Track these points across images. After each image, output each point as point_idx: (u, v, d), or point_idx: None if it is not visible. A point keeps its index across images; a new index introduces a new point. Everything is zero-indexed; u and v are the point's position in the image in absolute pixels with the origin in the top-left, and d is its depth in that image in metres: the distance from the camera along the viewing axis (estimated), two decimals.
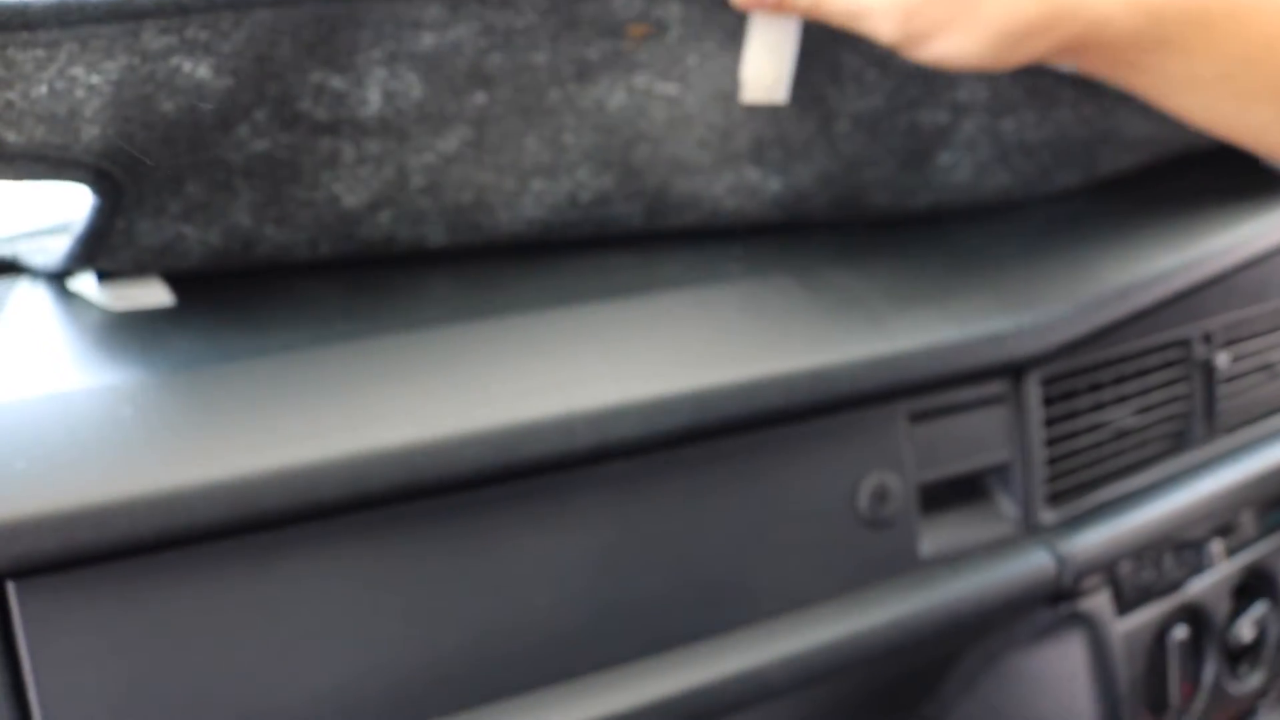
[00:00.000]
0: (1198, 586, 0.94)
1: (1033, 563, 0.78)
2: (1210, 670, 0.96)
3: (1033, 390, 0.79)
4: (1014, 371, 0.78)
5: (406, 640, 0.56)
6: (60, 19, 0.46)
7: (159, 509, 0.49)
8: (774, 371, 0.64)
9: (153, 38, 0.48)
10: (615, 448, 0.59)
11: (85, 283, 0.64)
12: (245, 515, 0.52)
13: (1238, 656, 1.02)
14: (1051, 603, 0.82)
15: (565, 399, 0.58)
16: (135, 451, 0.50)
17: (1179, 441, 0.95)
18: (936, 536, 0.75)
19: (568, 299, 0.67)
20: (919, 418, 0.73)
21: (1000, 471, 0.79)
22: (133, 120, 0.53)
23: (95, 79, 0.49)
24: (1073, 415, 0.84)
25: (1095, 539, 0.82)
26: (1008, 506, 0.79)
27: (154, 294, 0.65)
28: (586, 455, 0.59)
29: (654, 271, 0.72)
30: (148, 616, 0.51)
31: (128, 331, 0.61)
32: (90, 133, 0.52)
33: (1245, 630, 0.99)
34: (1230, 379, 0.99)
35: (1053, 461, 0.82)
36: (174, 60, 0.50)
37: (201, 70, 0.52)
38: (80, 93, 0.50)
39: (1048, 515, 0.81)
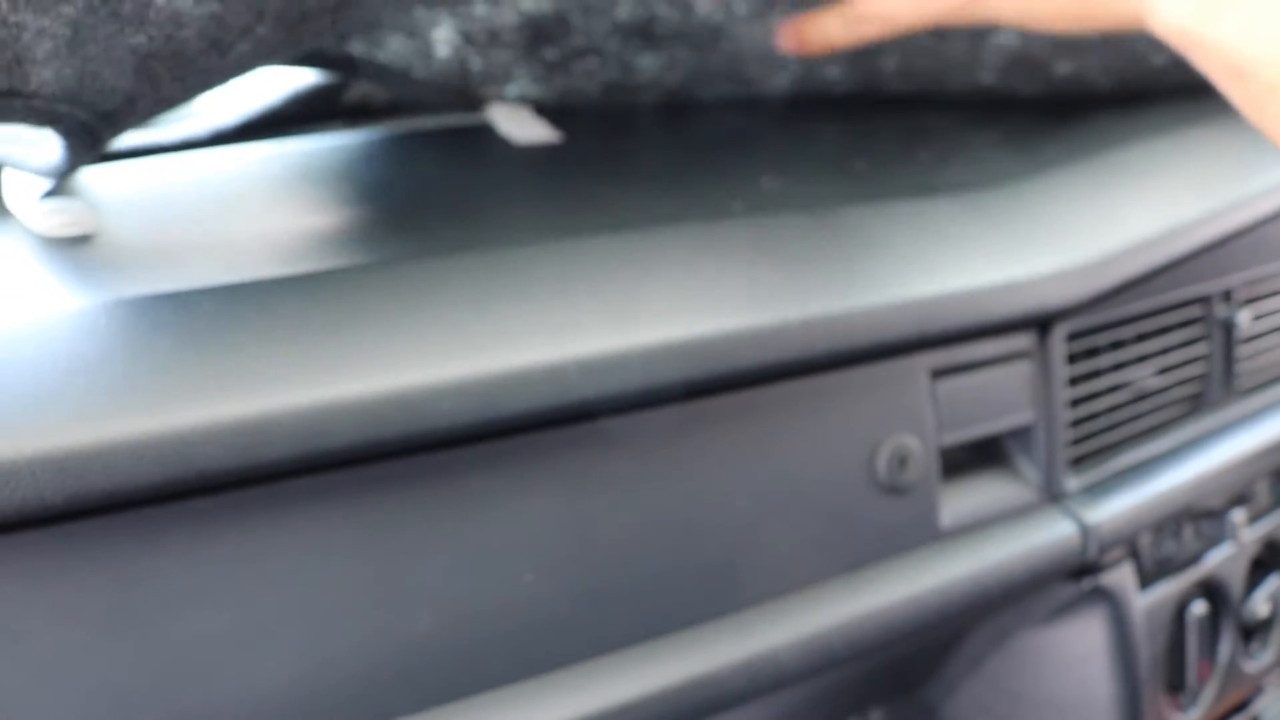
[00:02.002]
0: (1215, 560, 0.88)
1: (1057, 533, 0.71)
2: (1226, 648, 0.90)
3: (1059, 345, 0.72)
4: (1040, 324, 0.70)
5: (370, 624, 0.48)
6: None
7: (70, 470, 0.41)
8: (789, 318, 0.56)
9: None
10: (611, 401, 0.51)
11: (19, 195, 0.55)
12: (178, 477, 0.43)
13: (1251, 633, 0.96)
14: (1074, 576, 0.76)
15: (555, 344, 0.50)
16: (43, 399, 0.42)
17: (1196, 404, 0.89)
18: (957, 504, 0.68)
19: (558, 232, 0.59)
20: (941, 374, 0.65)
21: (1022, 434, 0.72)
22: (96, 58, 0.44)
23: (45, 23, 0.41)
24: (1095, 375, 0.77)
25: (1119, 508, 0.75)
26: (1030, 472, 0.72)
27: (86, 219, 0.56)
28: (578, 410, 0.51)
29: (655, 204, 0.64)
30: (65, 593, 0.43)
31: (51, 256, 0.52)
32: (42, 75, 0.43)
33: (1260, 606, 0.93)
34: (1249, 339, 0.93)
35: (1075, 423, 0.75)
36: None
37: (179, 0, 0.43)
38: (27, 37, 0.41)
39: (1071, 482, 0.74)
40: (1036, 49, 0.91)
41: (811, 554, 0.60)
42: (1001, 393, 0.69)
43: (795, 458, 0.59)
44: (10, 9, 0.39)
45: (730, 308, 0.55)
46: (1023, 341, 0.70)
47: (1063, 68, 0.96)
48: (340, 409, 0.46)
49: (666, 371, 0.52)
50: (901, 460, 0.63)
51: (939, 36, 0.86)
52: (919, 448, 0.64)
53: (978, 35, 0.88)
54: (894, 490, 0.63)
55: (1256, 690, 1.02)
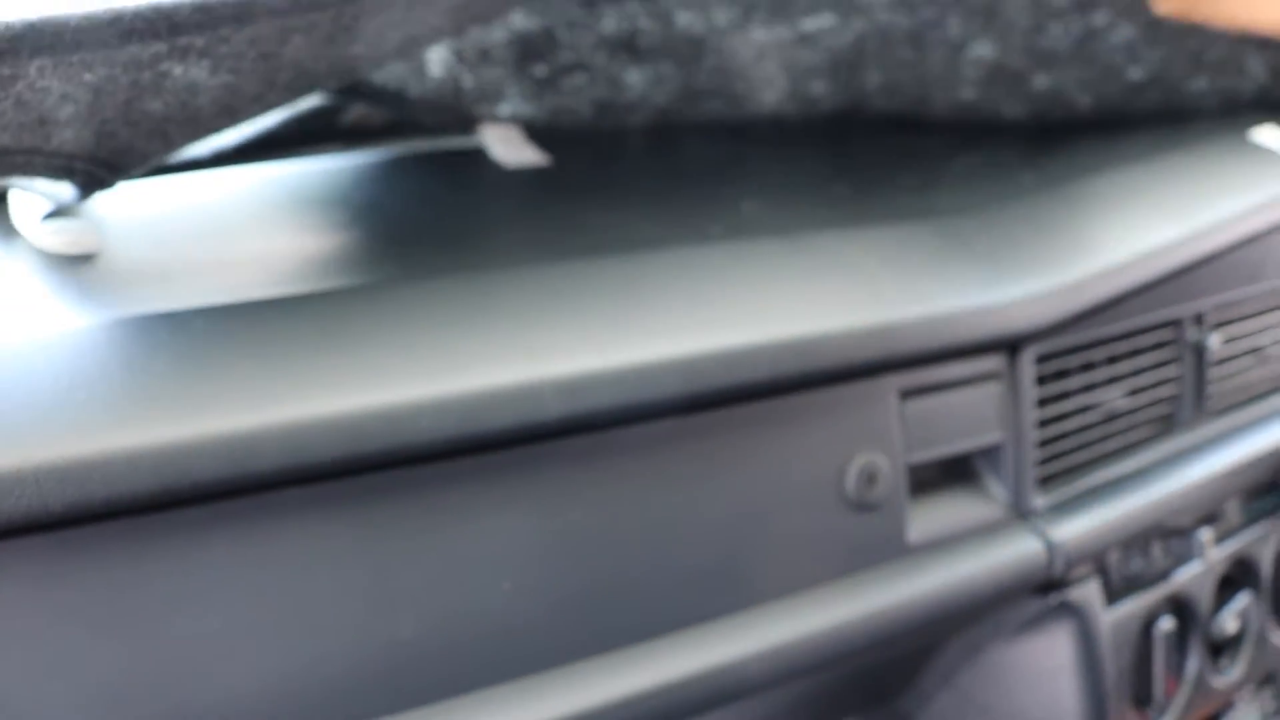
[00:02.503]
0: (1184, 577, 0.90)
1: (1023, 550, 0.73)
2: (1194, 663, 0.92)
3: (1028, 367, 0.74)
4: (1010, 346, 0.73)
5: (354, 629, 0.51)
6: (33, 46, 0.40)
7: (71, 479, 0.43)
8: (761, 339, 0.58)
9: (138, 49, 0.42)
10: (587, 419, 0.54)
11: (26, 215, 0.58)
12: (172, 487, 0.46)
13: (1220, 649, 0.98)
14: (1041, 592, 0.78)
15: (533, 364, 0.52)
16: (46, 411, 0.44)
17: (1167, 424, 0.91)
18: (925, 521, 0.70)
19: (541, 256, 0.61)
20: (910, 394, 0.68)
21: (991, 453, 0.74)
22: (113, 120, 0.47)
23: (69, 89, 0.44)
24: (1064, 395, 0.80)
25: (1085, 526, 0.77)
26: (997, 490, 0.74)
27: (88, 239, 0.58)
28: (556, 427, 0.53)
29: (621, 230, 0.66)
30: (65, 595, 0.45)
31: (55, 275, 0.54)
32: (63, 135, 0.46)
33: (1229, 622, 0.95)
34: (1220, 361, 0.95)
35: (1044, 443, 0.78)
36: (163, 66, 0.44)
37: (195, 72, 0.46)
38: (52, 101, 0.44)
39: (1038, 500, 0.76)
40: (1014, 62, 0.94)
41: (780, 567, 0.63)
42: (970, 413, 0.71)
43: (765, 474, 0.62)
44: (39, 75, 0.41)
45: (704, 330, 0.57)
46: (992, 363, 0.72)
47: (1041, 82, 0.99)
48: (326, 424, 0.48)
49: (639, 392, 0.54)
50: (870, 477, 0.65)
51: (918, 48, 0.89)
52: (887, 465, 0.66)
53: (956, 48, 0.90)
54: (862, 506, 0.65)
55: (1227, 705, 1.04)
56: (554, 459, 0.55)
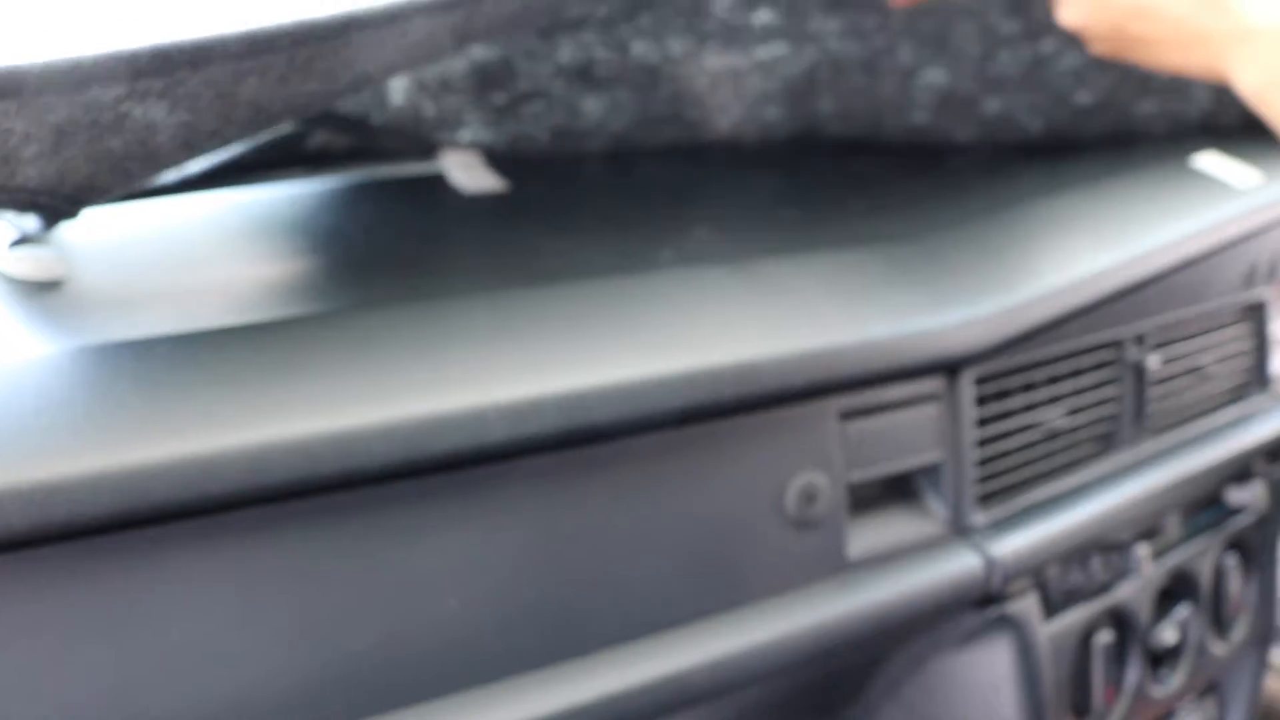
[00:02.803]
0: (1123, 590, 0.93)
1: (961, 565, 0.76)
2: (1133, 674, 0.96)
3: (967, 389, 0.77)
4: (948, 369, 0.76)
5: (305, 643, 0.53)
6: None
7: (34, 500, 0.46)
8: (701, 365, 0.61)
9: (99, 92, 0.45)
10: (531, 443, 0.56)
11: None
12: (132, 509, 0.48)
13: (1160, 659, 1.01)
14: (979, 605, 0.81)
15: (479, 390, 0.55)
16: (11, 436, 0.47)
17: (1108, 443, 0.94)
18: (865, 537, 0.73)
19: (492, 283, 0.64)
20: (850, 415, 0.71)
21: (931, 472, 0.77)
22: (75, 157, 0.49)
23: (33, 129, 0.46)
24: (1005, 415, 0.83)
25: (1024, 541, 0.80)
26: (937, 507, 0.77)
27: (55, 267, 0.60)
28: (500, 450, 0.56)
29: (580, 257, 0.69)
30: (28, 613, 0.48)
31: (22, 302, 0.57)
32: (26, 172, 0.48)
33: (1168, 633, 0.98)
34: (1160, 381, 0.99)
35: (984, 462, 0.81)
36: (123, 107, 0.47)
37: (154, 112, 0.48)
38: (15, 140, 0.46)
39: (978, 517, 0.79)
40: (965, 88, 0.97)
41: (722, 583, 0.65)
42: (910, 433, 0.74)
43: (708, 493, 0.64)
44: (3, 117, 0.44)
45: (647, 356, 0.60)
46: (931, 385, 0.75)
47: (992, 106, 1.02)
48: (280, 448, 0.50)
49: (581, 416, 0.57)
50: (809, 496, 0.68)
51: (871, 75, 0.92)
52: (827, 484, 0.69)
53: (908, 74, 0.93)
54: (802, 524, 0.68)
55: (1168, 713, 1.07)
56: (500, 480, 0.57)
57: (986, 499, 0.81)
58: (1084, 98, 1.06)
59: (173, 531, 0.50)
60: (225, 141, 0.56)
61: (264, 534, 0.52)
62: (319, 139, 0.86)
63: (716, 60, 0.85)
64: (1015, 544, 0.80)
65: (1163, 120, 1.14)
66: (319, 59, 0.50)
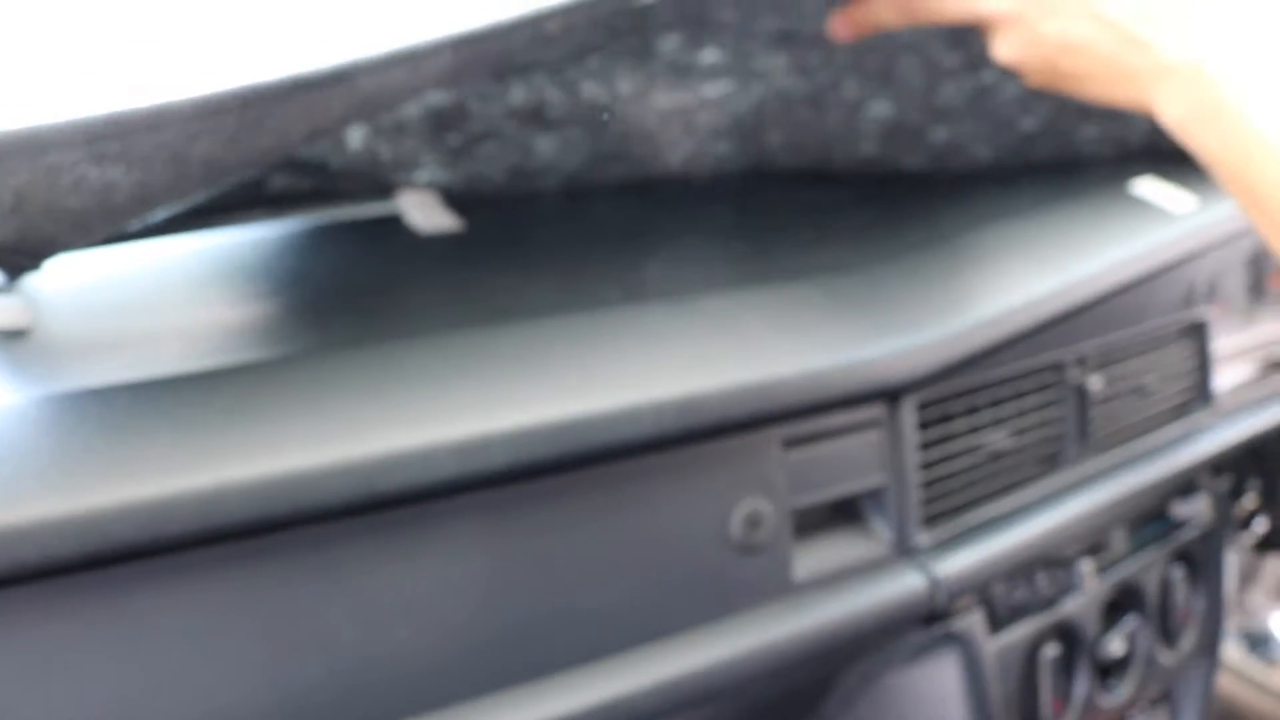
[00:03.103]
0: (1069, 604, 0.96)
1: (906, 584, 0.79)
2: (1081, 685, 0.98)
3: (908, 414, 0.80)
4: (889, 396, 0.79)
5: (265, 676, 0.55)
6: None
7: (3, 543, 0.48)
8: (644, 399, 0.64)
9: (57, 157, 0.47)
10: (481, 478, 0.59)
11: None
12: (96, 550, 0.50)
13: (1108, 670, 1.04)
14: (925, 623, 0.84)
15: (429, 428, 0.58)
16: None
17: (1053, 462, 0.97)
18: (810, 560, 0.75)
19: (444, 324, 0.66)
20: (792, 443, 0.73)
21: (875, 495, 0.80)
22: (35, 216, 0.52)
23: None
24: (948, 438, 0.86)
25: (968, 560, 0.83)
26: (882, 529, 0.80)
27: (20, 316, 0.63)
28: (451, 486, 0.58)
29: (531, 296, 0.71)
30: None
31: None
32: None
33: (1115, 645, 1.01)
34: (1103, 401, 1.02)
35: (928, 485, 0.84)
36: (80, 169, 0.49)
37: (111, 173, 0.51)
38: None
39: (922, 537, 0.82)
40: (912, 119, 1.01)
41: (670, 607, 0.68)
42: (853, 458, 0.77)
43: (655, 521, 0.67)
44: None
45: (592, 392, 0.63)
46: (873, 412, 0.78)
47: (939, 135, 1.05)
48: (237, 488, 0.53)
49: (528, 451, 0.60)
50: (754, 522, 0.71)
51: (818, 109, 0.95)
52: (771, 510, 0.71)
53: (854, 107, 0.96)
54: (747, 549, 0.71)
55: None
56: (453, 514, 0.60)
57: (930, 520, 0.84)
58: (1028, 124, 1.09)
59: (135, 570, 0.53)
60: (183, 195, 0.58)
61: (222, 571, 0.54)
62: (279, 182, 0.88)
63: (665, 98, 0.87)
64: (959, 563, 0.82)
65: (1105, 144, 1.18)
66: (269, 118, 0.53)
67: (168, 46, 0.53)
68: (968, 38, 0.94)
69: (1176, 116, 0.66)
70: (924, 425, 0.83)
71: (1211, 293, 1.14)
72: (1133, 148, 1.21)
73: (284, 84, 0.50)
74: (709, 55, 0.84)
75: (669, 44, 0.82)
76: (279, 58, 0.51)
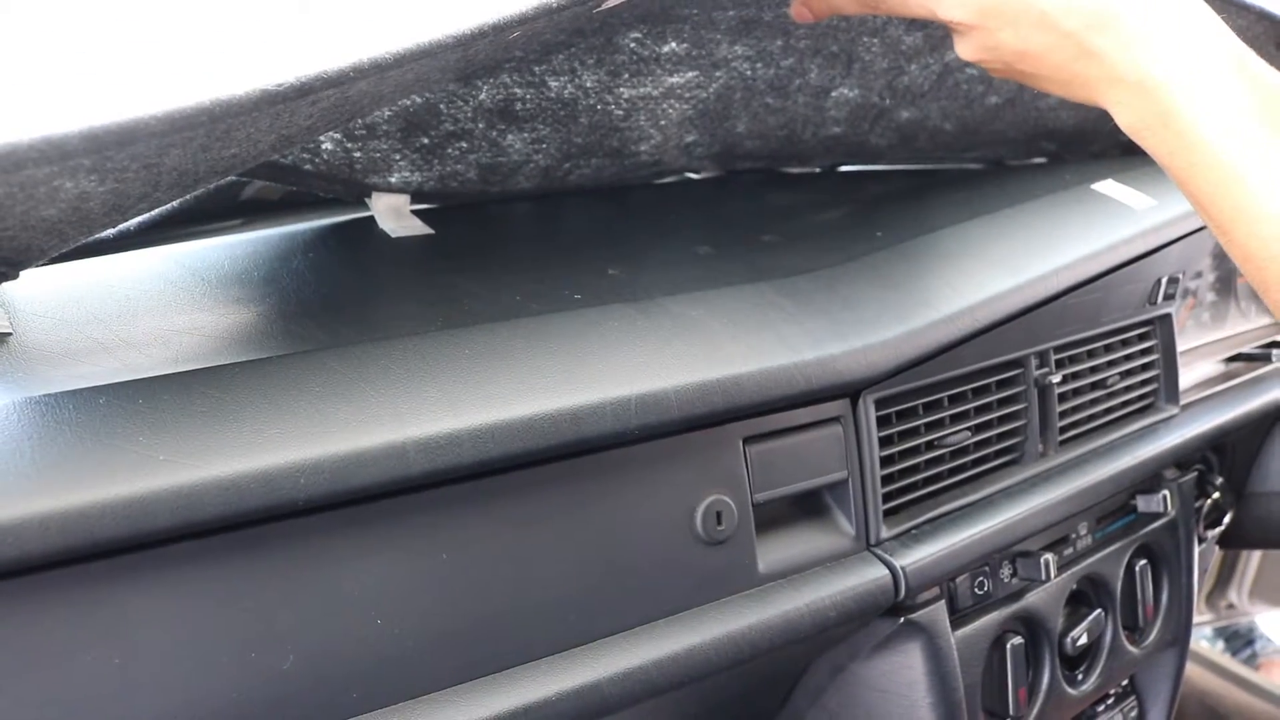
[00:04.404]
0: (1033, 596, 0.99)
1: (869, 576, 0.81)
2: (1046, 675, 1.01)
3: (868, 411, 0.82)
4: (848, 393, 0.81)
5: (239, 667, 0.57)
6: None
7: None
8: (605, 398, 0.66)
9: (33, 172, 0.49)
10: (448, 474, 0.61)
11: None
12: (76, 546, 0.52)
13: (1074, 661, 1.07)
14: (889, 615, 0.86)
15: (398, 427, 0.60)
16: None
17: (1015, 457, 1.00)
18: (775, 554, 0.78)
19: (414, 327, 0.68)
20: (753, 440, 0.76)
21: (837, 490, 0.82)
22: (12, 227, 0.54)
23: None
24: (909, 434, 0.88)
25: (930, 552, 0.85)
26: (844, 523, 0.82)
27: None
28: (420, 481, 0.60)
29: (498, 300, 0.74)
30: None
31: None
32: None
33: (1081, 636, 1.04)
34: (1065, 397, 1.04)
35: (890, 479, 0.86)
36: (55, 182, 0.51)
37: (85, 184, 0.52)
38: None
39: (884, 531, 0.84)
40: (878, 100, 1.02)
41: (636, 600, 0.70)
42: (814, 454, 0.79)
43: (620, 516, 0.69)
44: None
45: (554, 391, 0.65)
46: (833, 408, 0.80)
47: (905, 114, 1.07)
48: (212, 486, 0.55)
49: (495, 448, 0.62)
50: (717, 516, 0.73)
51: (782, 96, 0.97)
52: (734, 505, 0.74)
53: (820, 92, 0.98)
54: (712, 543, 0.73)
55: (1090, 716, 1.12)
56: (423, 508, 0.62)
57: (893, 514, 0.86)
58: (993, 98, 1.11)
59: (114, 565, 0.54)
60: (156, 203, 0.60)
61: (198, 566, 0.56)
62: (253, 188, 0.90)
63: (630, 90, 0.89)
64: (921, 555, 0.85)
65: (1069, 111, 1.18)
66: (237, 129, 0.55)
67: (140, 60, 0.55)
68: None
69: (1129, 123, 0.69)
70: (884, 421, 0.86)
71: (1178, 288, 1.17)
72: (1094, 114, 1.21)
73: (251, 97, 0.52)
74: (670, 46, 0.86)
75: (630, 37, 0.84)
76: (247, 70, 0.53)
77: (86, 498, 0.52)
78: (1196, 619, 1.24)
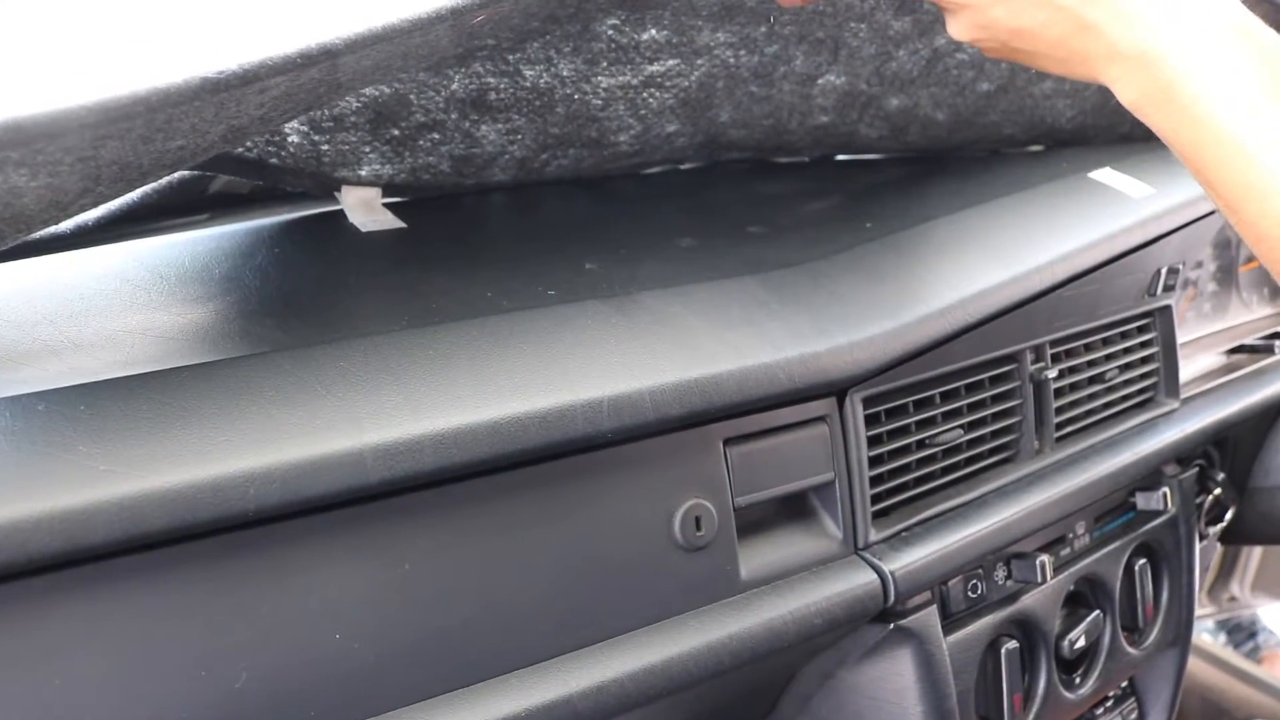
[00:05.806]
0: (1029, 598, 0.96)
1: (857, 581, 0.78)
2: (1042, 680, 0.98)
3: (855, 409, 0.79)
4: (835, 392, 0.78)
5: (191, 683, 0.55)
6: None
7: None
8: (576, 400, 0.63)
9: None
10: (409, 481, 0.58)
11: None
12: (12, 560, 0.49)
13: (1072, 664, 1.04)
14: (879, 620, 0.83)
15: (355, 433, 0.57)
16: None
17: (1010, 455, 0.97)
18: (759, 559, 0.75)
19: (381, 325, 0.65)
20: (734, 441, 0.73)
21: (823, 492, 0.79)
22: None
23: None
24: (899, 433, 0.85)
25: (921, 555, 0.83)
26: (831, 526, 0.79)
27: None
28: (379, 490, 0.57)
29: (468, 297, 0.71)
30: None
31: None
32: None
33: (1078, 638, 1.01)
34: (1062, 392, 1.01)
35: (878, 479, 0.83)
36: None
37: (15, 178, 0.49)
38: None
39: (872, 533, 0.81)
40: (866, 88, 0.99)
41: (614, 608, 0.67)
42: (799, 455, 0.76)
43: (595, 521, 0.66)
44: None
45: (522, 393, 0.62)
46: (819, 407, 0.77)
47: (895, 102, 1.03)
48: (157, 497, 0.52)
49: (457, 454, 0.59)
50: (697, 521, 0.70)
51: (767, 84, 0.93)
52: (714, 509, 0.71)
53: (806, 80, 0.95)
54: (691, 549, 0.70)
55: (1088, 715, 1.09)
56: (383, 515, 0.59)
57: (881, 515, 0.83)
58: (985, 85, 1.08)
59: (49, 582, 0.52)
60: (100, 197, 0.57)
61: (141, 580, 0.53)
62: (219, 183, 0.87)
63: (608, 79, 0.86)
64: (911, 559, 0.82)
65: (1062, 97, 1.15)
66: (179, 120, 0.52)
67: (72, 46, 0.51)
68: (916, 2, 0.92)
69: (1131, 99, 0.66)
70: (873, 420, 0.83)
71: (1178, 279, 1.14)
72: (1089, 96, 1.18)
73: (191, 85, 0.49)
74: (650, 33, 0.83)
75: (608, 24, 0.80)
76: (187, 56, 0.50)
77: (20, 510, 0.49)
78: (1198, 612, 1.21)
